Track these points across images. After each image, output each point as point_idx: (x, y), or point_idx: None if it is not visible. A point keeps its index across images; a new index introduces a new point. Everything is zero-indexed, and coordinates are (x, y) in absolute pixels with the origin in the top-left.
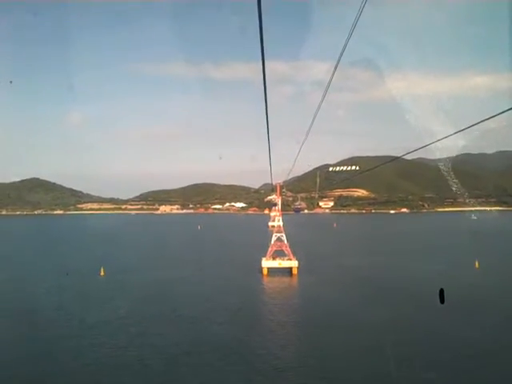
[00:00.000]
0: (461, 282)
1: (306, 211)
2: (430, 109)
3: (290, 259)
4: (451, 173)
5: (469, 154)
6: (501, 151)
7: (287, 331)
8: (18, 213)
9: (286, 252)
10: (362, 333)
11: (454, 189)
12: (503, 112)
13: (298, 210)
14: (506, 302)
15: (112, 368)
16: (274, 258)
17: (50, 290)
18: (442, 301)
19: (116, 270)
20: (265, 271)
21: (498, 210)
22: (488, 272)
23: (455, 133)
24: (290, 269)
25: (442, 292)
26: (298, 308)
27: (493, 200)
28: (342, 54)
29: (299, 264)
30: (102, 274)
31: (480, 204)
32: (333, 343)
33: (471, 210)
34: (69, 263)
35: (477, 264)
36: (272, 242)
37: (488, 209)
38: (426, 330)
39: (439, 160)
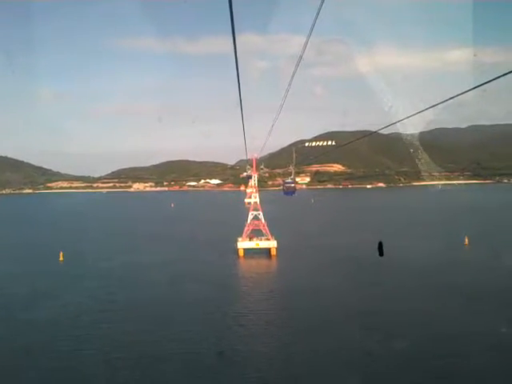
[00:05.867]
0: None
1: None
2: (405, 83)
3: (269, 239)
4: (420, 147)
5: (443, 128)
6: (473, 125)
7: (265, 321)
8: None
9: (264, 231)
10: (345, 322)
11: (422, 162)
12: (474, 88)
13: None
14: None
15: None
16: (250, 238)
17: None
18: (381, 253)
19: (77, 255)
20: (241, 252)
21: (473, 183)
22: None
23: (428, 108)
24: (269, 250)
25: (380, 245)
26: (277, 295)
27: (468, 173)
28: (312, 29)
29: (278, 244)
30: (61, 259)
31: (456, 178)
32: (313, 335)
33: (445, 184)
34: (27, 247)
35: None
36: (248, 220)
37: (455, 182)
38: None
39: (412, 135)
